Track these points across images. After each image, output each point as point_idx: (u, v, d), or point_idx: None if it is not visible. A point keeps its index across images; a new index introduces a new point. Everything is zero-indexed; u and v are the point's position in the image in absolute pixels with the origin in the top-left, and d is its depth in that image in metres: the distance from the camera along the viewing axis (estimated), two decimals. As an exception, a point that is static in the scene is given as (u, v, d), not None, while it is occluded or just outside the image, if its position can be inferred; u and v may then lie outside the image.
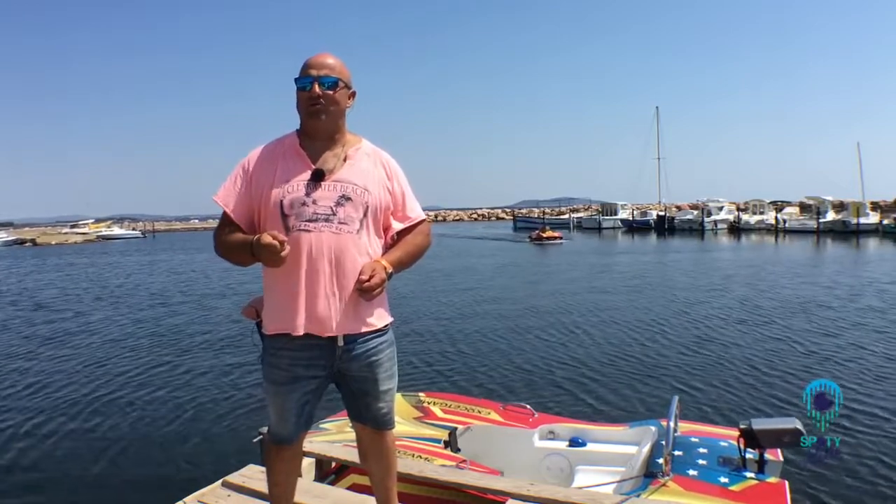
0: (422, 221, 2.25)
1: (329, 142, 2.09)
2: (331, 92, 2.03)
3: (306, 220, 2.00)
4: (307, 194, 2.01)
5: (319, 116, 2.04)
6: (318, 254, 1.99)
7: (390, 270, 2.06)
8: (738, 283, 16.42)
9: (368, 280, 1.98)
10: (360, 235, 2.06)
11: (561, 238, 39.01)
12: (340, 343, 2.05)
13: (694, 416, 5.34)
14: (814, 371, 7.41)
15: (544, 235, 39.73)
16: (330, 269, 2.00)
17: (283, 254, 1.90)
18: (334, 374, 2.12)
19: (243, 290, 16.67)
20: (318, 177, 2.02)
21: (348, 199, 2.04)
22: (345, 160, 2.08)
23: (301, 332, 2.01)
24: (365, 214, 2.06)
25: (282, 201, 2.00)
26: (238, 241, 2.02)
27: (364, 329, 2.09)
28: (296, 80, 2.05)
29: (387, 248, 2.17)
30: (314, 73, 2.03)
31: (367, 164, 2.12)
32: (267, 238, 1.88)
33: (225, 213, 2.08)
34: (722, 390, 6.71)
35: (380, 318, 2.14)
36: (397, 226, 2.18)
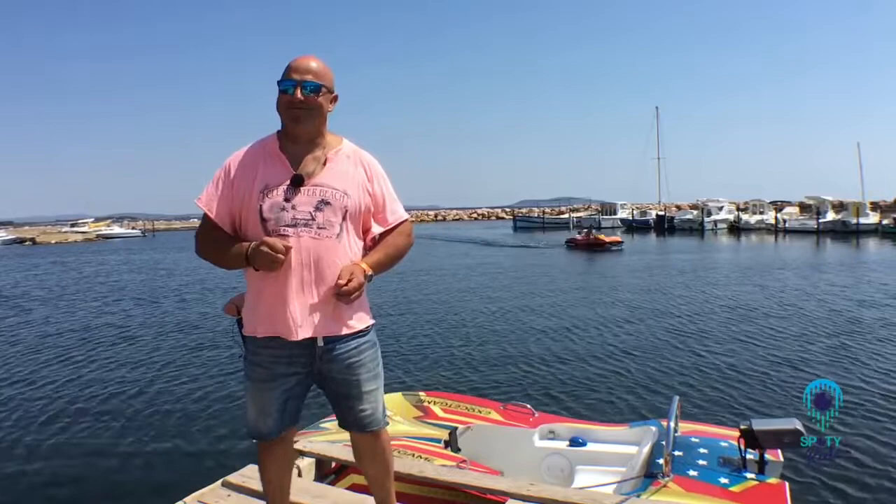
0: (403, 222, 2.24)
1: (310, 144, 2.10)
2: (313, 96, 2.04)
3: (285, 226, 2.02)
4: (286, 199, 2.02)
5: (300, 120, 2.05)
6: (297, 259, 2.01)
7: (370, 273, 2.08)
8: (738, 282, 16.42)
9: (346, 284, 1.99)
10: (340, 239, 2.07)
11: (621, 242, 26.82)
12: (320, 343, 2.08)
13: (694, 416, 5.34)
14: (815, 371, 7.41)
15: (600, 240, 27.87)
16: (309, 274, 2.03)
17: (283, 259, 1.98)
18: (315, 374, 2.14)
19: (231, 287, 16.64)
20: (297, 182, 2.03)
21: (327, 203, 2.05)
22: (324, 164, 2.09)
23: (292, 337, 2.04)
24: (344, 218, 2.07)
25: (261, 206, 2.02)
26: (228, 245, 2.06)
27: (344, 331, 2.11)
28: (278, 82, 2.05)
29: (367, 250, 2.18)
30: (297, 77, 2.03)
31: (346, 167, 2.12)
32: (271, 242, 1.95)
33: (207, 217, 2.10)
34: (723, 391, 6.71)
35: (360, 320, 2.15)
36: (377, 229, 2.20)
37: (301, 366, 2.11)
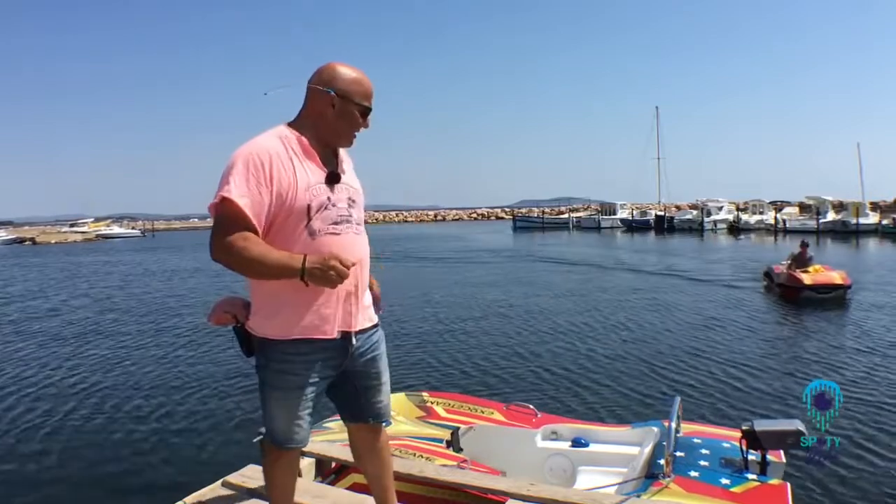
0: None
1: (328, 146, 2.11)
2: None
3: (333, 223, 2.00)
4: (328, 197, 2.01)
5: (352, 142, 2.12)
6: (348, 256, 1.98)
7: None
8: (739, 281, 16.42)
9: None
10: (366, 234, 2.15)
11: (847, 285, 12.88)
12: (354, 342, 2.09)
13: (696, 416, 5.34)
14: (815, 371, 7.41)
15: (810, 282, 12.85)
16: (357, 271, 2.03)
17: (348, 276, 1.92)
18: (339, 374, 2.14)
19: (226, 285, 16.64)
20: (334, 179, 2.02)
21: (354, 200, 2.10)
22: (338, 164, 2.11)
23: (332, 336, 2.03)
24: (363, 214, 2.17)
25: (309, 205, 1.95)
26: (272, 256, 1.87)
27: (369, 324, 2.17)
28: (361, 103, 2.04)
29: None
30: (369, 105, 2.07)
31: (349, 168, 2.18)
32: (343, 259, 1.88)
33: (240, 216, 1.87)
34: (725, 391, 6.70)
35: (373, 312, 2.23)
36: None
37: (333, 368, 2.10)
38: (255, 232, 1.90)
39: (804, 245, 13.97)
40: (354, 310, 2.08)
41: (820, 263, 13.81)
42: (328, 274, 1.85)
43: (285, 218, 1.95)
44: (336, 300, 2.01)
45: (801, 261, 13.66)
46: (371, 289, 2.24)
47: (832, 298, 12.63)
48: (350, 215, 2.05)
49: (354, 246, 2.04)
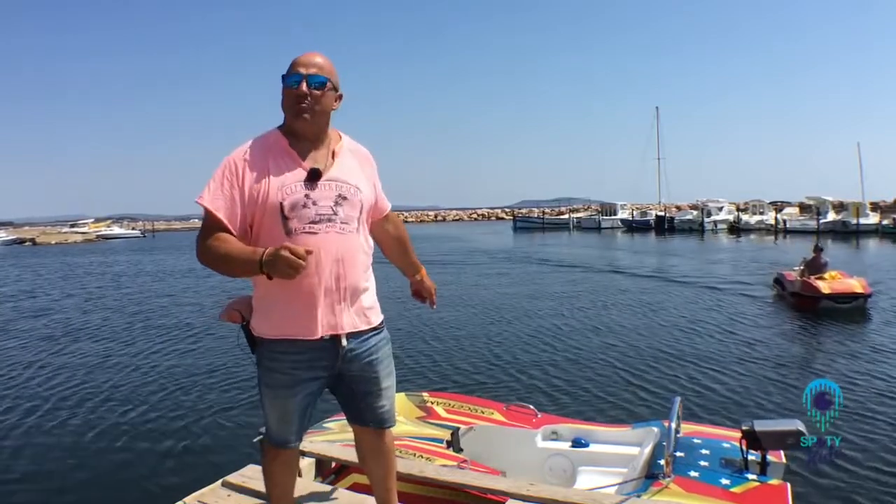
0: (389, 213, 2.37)
1: (315, 141, 2.05)
2: (318, 92, 1.98)
3: (310, 223, 1.96)
4: (306, 195, 1.97)
5: (304, 116, 1.99)
6: (326, 256, 1.95)
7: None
8: (744, 286, 16.40)
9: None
10: (360, 234, 2.07)
11: (868, 294, 11.83)
12: (344, 343, 2.04)
13: (696, 417, 5.34)
14: (816, 371, 7.41)
15: (828, 291, 11.64)
16: (338, 270, 1.99)
17: (304, 266, 1.80)
18: (334, 375, 2.11)
19: (229, 288, 16.63)
20: (314, 176, 1.98)
21: (345, 198, 2.03)
22: (332, 158, 2.06)
23: (315, 336, 2.00)
24: (360, 212, 2.07)
25: (282, 203, 1.94)
26: (239, 252, 1.88)
27: (365, 327, 2.11)
28: (283, 77, 1.99)
29: None
30: (303, 70, 1.98)
31: (352, 162, 2.11)
32: (293, 247, 1.77)
33: (214, 219, 1.94)
34: (725, 392, 6.70)
35: (376, 315, 2.17)
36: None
37: (322, 369, 2.07)
38: (227, 232, 1.93)
39: (818, 249, 12.93)
40: (342, 311, 2.03)
41: (835, 269, 12.68)
42: (279, 265, 1.77)
43: (261, 217, 1.97)
44: (320, 301, 1.98)
45: (815, 266, 12.52)
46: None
47: (851, 309, 11.55)
48: (334, 214, 1.99)
49: (334, 245, 1.97)
